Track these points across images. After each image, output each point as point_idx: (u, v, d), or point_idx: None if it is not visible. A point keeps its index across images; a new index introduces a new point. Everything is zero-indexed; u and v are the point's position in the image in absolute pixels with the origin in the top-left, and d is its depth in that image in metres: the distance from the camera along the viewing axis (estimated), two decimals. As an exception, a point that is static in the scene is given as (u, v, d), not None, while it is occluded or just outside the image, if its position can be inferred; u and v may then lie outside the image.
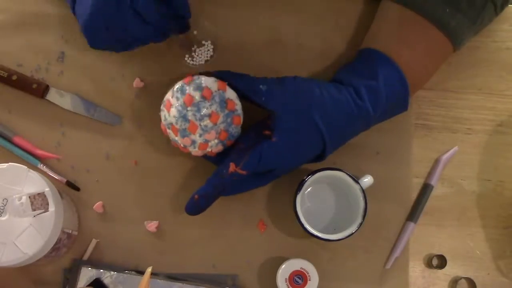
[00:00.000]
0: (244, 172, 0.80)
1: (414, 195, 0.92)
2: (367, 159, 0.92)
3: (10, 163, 0.77)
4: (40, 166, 0.89)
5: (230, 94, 0.84)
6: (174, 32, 0.83)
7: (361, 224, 0.84)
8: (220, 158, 0.85)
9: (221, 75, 0.85)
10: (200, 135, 0.82)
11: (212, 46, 0.93)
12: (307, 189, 0.89)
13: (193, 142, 0.83)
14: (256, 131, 0.84)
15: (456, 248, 0.91)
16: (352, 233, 0.84)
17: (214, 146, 0.83)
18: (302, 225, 0.84)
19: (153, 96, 0.92)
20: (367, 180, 0.86)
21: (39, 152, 0.89)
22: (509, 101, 0.95)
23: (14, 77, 0.91)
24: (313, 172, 0.85)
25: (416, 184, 0.92)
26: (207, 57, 0.93)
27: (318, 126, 0.81)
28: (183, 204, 0.89)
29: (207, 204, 0.83)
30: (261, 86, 0.83)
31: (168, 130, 0.84)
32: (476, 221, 0.92)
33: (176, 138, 0.83)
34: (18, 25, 0.94)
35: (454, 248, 0.91)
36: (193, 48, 0.92)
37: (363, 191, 0.85)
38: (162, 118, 0.85)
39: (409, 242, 0.90)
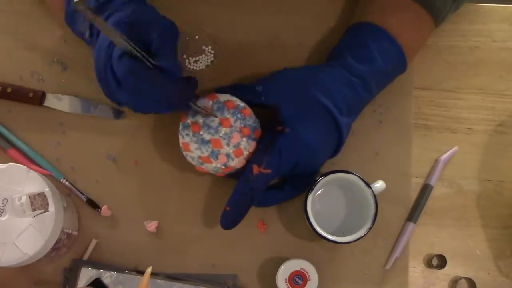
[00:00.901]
0: (269, 171, 0.80)
1: (414, 195, 0.92)
2: (367, 159, 0.92)
3: (10, 163, 0.77)
4: (63, 180, 0.91)
5: (224, 97, 0.85)
6: (177, 100, 0.79)
7: (370, 228, 0.84)
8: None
9: (219, 91, 0.87)
10: (228, 144, 0.82)
11: (212, 51, 0.93)
12: (317, 191, 0.89)
13: (228, 155, 0.82)
14: (270, 130, 0.84)
15: (456, 248, 0.91)
16: (361, 237, 0.83)
17: (247, 145, 0.83)
18: (311, 225, 0.83)
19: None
20: (378, 185, 0.86)
21: (33, 167, 0.89)
22: (509, 101, 0.94)
23: (9, 89, 0.91)
24: (325, 174, 0.85)
25: (416, 184, 0.92)
26: (207, 62, 0.93)
27: (321, 102, 0.81)
28: (183, 204, 0.90)
29: (241, 213, 0.83)
30: (257, 88, 0.85)
31: (204, 166, 0.84)
32: (476, 221, 0.91)
33: (214, 165, 0.83)
34: (18, 25, 0.94)
35: (454, 248, 0.91)
36: (194, 55, 0.93)
37: (374, 196, 0.84)
38: (191, 161, 0.85)
39: (409, 242, 0.90)
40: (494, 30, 0.96)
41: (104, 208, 0.89)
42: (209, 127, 0.82)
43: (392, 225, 0.91)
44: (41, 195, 0.76)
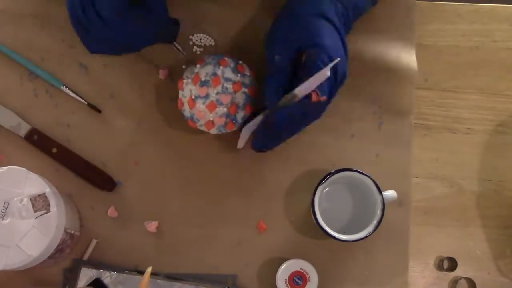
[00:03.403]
0: (325, 98, 0.77)
1: (414, 195, 0.92)
2: (368, 160, 0.92)
3: (9, 166, 0.77)
4: (63, 88, 0.91)
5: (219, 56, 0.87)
6: (161, 39, 0.84)
7: (370, 233, 0.83)
8: None
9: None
10: (223, 77, 0.83)
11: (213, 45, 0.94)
12: (326, 187, 0.89)
13: (223, 77, 0.83)
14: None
15: (456, 248, 0.91)
16: (361, 239, 0.83)
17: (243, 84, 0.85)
18: (317, 221, 0.83)
19: (153, 97, 0.92)
20: (390, 194, 0.85)
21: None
22: (509, 101, 0.95)
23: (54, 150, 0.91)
24: (338, 170, 0.85)
25: (416, 184, 0.92)
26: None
27: (326, 17, 0.80)
28: (183, 204, 0.90)
29: (279, 137, 0.81)
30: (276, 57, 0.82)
31: (197, 98, 0.84)
32: (476, 221, 0.92)
33: (209, 91, 0.83)
34: (18, 26, 0.94)
35: (454, 248, 0.91)
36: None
37: (383, 203, 0.84)
38: (186, 95, 0.85)
39: (409, 242, 0.90)
40: (494, 30, 0.96)
41: (111, 208, 0.89)
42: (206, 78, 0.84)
43: (392, 225, 0.90)
44: (42, 196, 0.76)
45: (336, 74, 0.78)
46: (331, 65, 0.73)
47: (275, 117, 0.78)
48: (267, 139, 0.82)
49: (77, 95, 0.91)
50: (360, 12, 0.88)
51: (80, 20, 0.78)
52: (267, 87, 0.80)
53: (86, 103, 0.91)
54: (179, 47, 0.86)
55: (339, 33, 0.81)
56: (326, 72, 0.74)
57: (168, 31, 0.83)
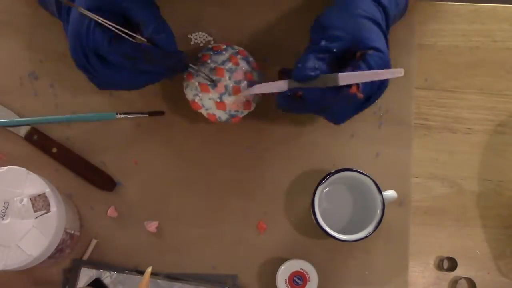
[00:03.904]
0: (362, 96, 0.74)
1: (414, 195, 0.92)
2: (368, 160, 0.92)
3: (9, 166, 0.77)
4: (118, 116, 0.91)
5: (238, 47, 0.87)
6: (172, 72, 0.80)
7: (370, 233, 0.83)
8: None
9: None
10: (230, 78, 0.83)
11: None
12: (326, 188, 0.89)
13: (226, 87, 0.83)
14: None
15: (456, 248, 0.91)
16: (361, 239, 0.83)
17: (245, 88, 0.84)
18: (317, 221, 0.83)
19: (153, 97, 0.92)
20: (389, 194, 0.85)
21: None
22: (509, 101, 0.95)
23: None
24: (337, 171, 0.85)
25: (416, 184, 0.92)
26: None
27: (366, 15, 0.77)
28: (183, 204, 0.90)
29: (305, 109, 0.78)
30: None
31: (199, 98, 0.84)
32: (476, 221, 0.92)
33: (210, 95, 0.83)
34: (19, 25, 0.94)
35: (454, 248, 0.91)
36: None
37: (383, 203, 0.84)
38: (189, 93, 0.85)
39: (409, 242, 0.90)
40: (494, 30, 0.96)
41: (111, 208, 0.89)
42: (217, 58, 0.84)
43: (392, 225, 0.91)
44: (42, 196, 0.76)
45: (382, 84, 0.76)
46: (393, 74, 0.70)
47: (306, 94, 0.74)
48: (292, 106, 0.78)
49: (136, 113, 0.92)
50: (393, 22, 0.85)
51: (86, 66, 0.75)
52: (305, 61, 0.75)
53: (147, 114, 0.92)
54: (195, 67, 0.82)
55: (386, 42, 0.78)
56: (381, 75, 0.70)
57: (179, 62, 0.78)
